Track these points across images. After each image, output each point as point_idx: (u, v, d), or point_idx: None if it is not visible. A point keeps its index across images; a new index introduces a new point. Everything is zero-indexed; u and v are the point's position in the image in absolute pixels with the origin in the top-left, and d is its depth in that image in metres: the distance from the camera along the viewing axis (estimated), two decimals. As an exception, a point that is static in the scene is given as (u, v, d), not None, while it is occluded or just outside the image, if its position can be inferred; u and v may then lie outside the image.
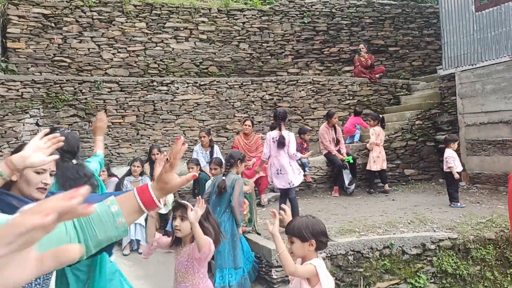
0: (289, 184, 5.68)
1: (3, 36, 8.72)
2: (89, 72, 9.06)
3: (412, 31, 11.53)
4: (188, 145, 8.44)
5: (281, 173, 5.73)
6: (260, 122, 9.31)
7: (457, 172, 6.73)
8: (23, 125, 7.71)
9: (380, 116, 8.66)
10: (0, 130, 7.59)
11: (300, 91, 9.72)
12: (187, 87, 8.93)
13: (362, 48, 10.35)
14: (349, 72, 10.92)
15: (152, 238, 3.02)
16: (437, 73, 9.95)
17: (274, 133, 5.89)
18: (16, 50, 8.60)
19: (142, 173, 6.88)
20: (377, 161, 8.20)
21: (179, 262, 3.05)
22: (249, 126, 7.70)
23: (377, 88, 10.21)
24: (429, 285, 5.17)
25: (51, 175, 2.08)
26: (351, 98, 10.11)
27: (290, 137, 5.79)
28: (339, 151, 8.19)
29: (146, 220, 6.59)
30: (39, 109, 7.86)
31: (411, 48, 11.52)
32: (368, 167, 8.30)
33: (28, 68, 8.66)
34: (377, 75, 10.29)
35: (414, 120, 9.32)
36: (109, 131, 8.30)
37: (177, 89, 8.83)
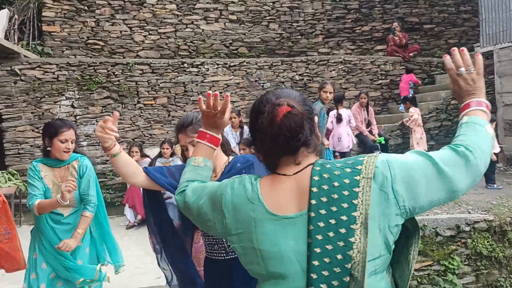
0: (347, 148, 7.33)
1: (39, 20, 8.94)
2: (121, 55, 9.19)
3: (448, 7, 11.12)
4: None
5: (340, 140, 7.31)
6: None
7: (494, 153, 6.54)
8: (59, 107, 7.92)
9: (410, 96, 8.50)
10: (38, 112, 7.82)
11: (331, 71, 9.58)
12: (217, 68, 8.94)
13: (396, 27, 10.07)
14: (381, 51, 10.67)
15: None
16: (474, 51, 9.61)
17: (334, 112, 7.44)
18: (51, 33, 8.80)
19: (172, 154, 6.97)
20: (421, 143, 7.99)
21: (201, 245, 2.71)
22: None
23: (412, 67, 9.94)
24: (463, 267, 5.09)
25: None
26: (383, 78, 9.90)
27: (348, 113, 7.51)
28: (371, 132, 8.07)
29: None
30: (74, 91, 8.04)
31: (447, 26, 11.14)
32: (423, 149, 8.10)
33: (63, 51, 8.86)
34: (411, 54, 10.02)
35: (450, 99, 9.06)
36: (141, 112, 8.44)
37: (207, 71, 8.86)
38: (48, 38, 8.82)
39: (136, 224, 6.77)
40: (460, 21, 11.17)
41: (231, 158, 2.18)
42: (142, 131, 8.45)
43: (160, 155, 7.00)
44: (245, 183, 1.33)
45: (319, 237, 1.16)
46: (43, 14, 8.75)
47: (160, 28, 9.48)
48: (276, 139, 1.25)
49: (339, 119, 7.38)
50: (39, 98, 7.83)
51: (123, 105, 8.31)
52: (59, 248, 2.93)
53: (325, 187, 1.20)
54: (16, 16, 9.04)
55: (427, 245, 5.05)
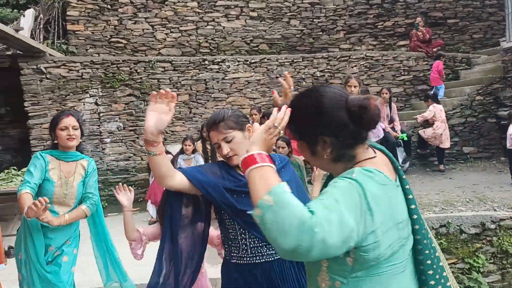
0: (378, 137, 7.06)
1: (63, 19, 9.11)
2: (144, 53, 9.30)
3: (473, 1, 10.89)
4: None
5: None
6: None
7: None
8: (84, 104, 8.06)
9: (432, 93, 8.39)
10: (63, 110, 7.98)
11: (352, 67, 9.49)
12: (237, 65, 8.96)
13: (419, 22, 9.91)
14: (404, 46, 10.52)
15: (135, 233, 2.57)
16: (500, 45, 9.39)
17: None
18: (76, 32, 8.96)
19: (194, 151, 7.02)
20: (439, 138, 7.91)
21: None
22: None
23: (440, 53, 9.73)
24: (488, 266, 5.00)
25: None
26: (406, 73, 9.76)
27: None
28: (393, 128, 7.97)
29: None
30: (97, 89, 8.17)
31: (471, 20, 10.91)
32: (442, 146, 8.02)
33: (87, 50, 9.01)
34: (434, 49, 9.85)
35: (474, 95, 8.89)
36: (163, 109, 8.51)
37: (228, 68, 8.89)
38: (73, 36, 8.98)
39: (158, 220, 6.84)
40: (485, 15, 10.92)
41: None
42: (164, 128, 8.52)
43: (182, 152, 7.05)
44: (366, 174, 1.30)
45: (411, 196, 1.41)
46: (68, 13, 8.91)
47: (181, 26, 9.55)
48: (368, 129, 1.39)
49: None
50: (64, 96, 7.98)
51: (145, 103, 8.41)
52: (42, 219, 2.77)
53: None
54: (41, 15, 9.24)
55: (451, 243, 4.98)
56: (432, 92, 8.52)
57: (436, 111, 7.92)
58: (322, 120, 1.35)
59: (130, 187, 2.76)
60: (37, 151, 7.64)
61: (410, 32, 10.19)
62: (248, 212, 1.26)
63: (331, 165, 1.43)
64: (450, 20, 10.84)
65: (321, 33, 10.34)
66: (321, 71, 9.38)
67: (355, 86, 5.36)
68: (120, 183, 2.69)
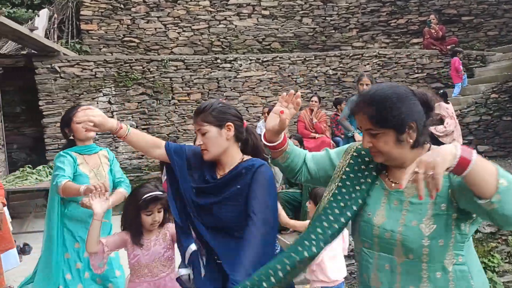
0: None
1: (77, 19, 9.20)
2: (156, 51, 9.35)
3: (488, -2, 10.75)
4: (251, 122, 8.53)
5: None
6: (323, 97, 9.16)
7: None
8: (97, 103, 8.12)
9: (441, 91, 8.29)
10: (77, 108, 8.05)
11: (365, 65, 9.43)
12: (250, 63, 8.96)
13: (433, 19, 9.81)
14: (417, 44, 10.43)
15: (98, 245, 2.39)
16: (516, 42, 9.26)
17: None
18: (89, 31, 9.04)
19: None
20: (451, 135, 7.82)
21: (152, 253, 2.51)
22: (316, 102, 7.63)
23: (449, 60, 9.66)
24: (503, 265, 4.95)
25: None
26: (420, 71, 9.68)
27: None
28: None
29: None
30: (111, 87, 8.24)
31: (486, 17, 10.76)
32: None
33: (100, 49, 9.08)
34: (448, 47, 9.75)
35: (489, 93, 8.77)
36: (176, 108, 8.57)
37: (240, 66, 8.89)
38: (86, 36, 9.06)
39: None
40: (500, 12, 10.77)
41: (246, 158, 2.02)
42: (176, 127, 8.57)
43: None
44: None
45: None
46: (81, 13, 8.99)
47: (193, 25, 9.58)
48: (432, 116, 1.53)
49: None
50: (77, 95, 8.06)
51: (158, 101, 8.46)
52: (82, 204, 2.75)
53: None
54: (55, 15, 9.33)
55: (466, 242, 4.92)
56: (441, 91, 8.43)
57: (441, 109, 7.87)
58: (406, 106, 1.46)
59: (108, 192, 2.58)
60: (52, 149, 7.79)
61: (423, 29, 10.09)
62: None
63: (408, 153, 1.50)
64: (464, 17, 10.71)
65: (333, 31, 10.30)
66: (333, 69, 9.34)
67: (367, 84, 5.32)
68: (98, 184, 2.49)
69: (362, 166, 1.61)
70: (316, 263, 2.97)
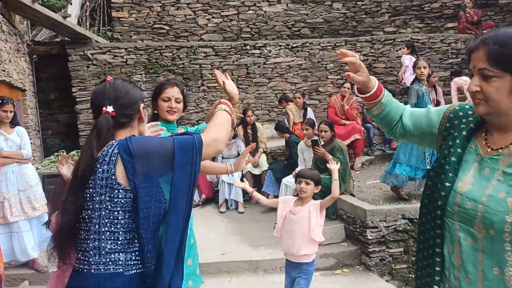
0: None
1: (108, 6, 9.31)
2: (186, 38, 9.38)
3: (528, -21, 10.29)
4: (279, 108, 8.47)
5: None
6: (353, 84, 9.01)
7: None
8: (128, 90, 8.23)
9: None
10: (108, 95, 8.19)
11: (397, 51, 9.21)
12: (279, 50, 8.89)
13: (468, 3, 9.47)
14: (452, 29, 10.10)
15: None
16: (557, 26, 8.84)
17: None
18: (120, 19, 9.14)
19: (235, 136, 7.05)
20: None
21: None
22: (348, 88, 7.54)
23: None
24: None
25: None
26: (454, 56, 9.39)
27: None
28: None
29: (242, 179, 6.80)
30: (141, 74, 8.33)
31: (526, 0, 10.32)
32: None
33: (130, 36, 9.18)
34: (484, 31, 9.39)
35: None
36: (205, 95, 8.61)
37: (269, 52, 8.83)
38: (117, 23, 9.17)
39: (200, 203, 6.96)
40: (541, -6, 10.31)
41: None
42: (205, 113, 8.61)
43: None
44: None
45: None
46: (112, 0, 9.09)
47: (223, 11, 9.55)
48: None
49: None
50: (109, 82, 8.18)
51: (188, 88, 8.51)
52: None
53: None
54: (87, 3, 9.48)
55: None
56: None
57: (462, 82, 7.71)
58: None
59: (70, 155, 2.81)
60: (84, 135, 7.96)
61: (458, 13, 9.76)
62: None
63: None
64: (501, 1, 10.29)
65: (364, 16, 10.08)
66: (364, 54, 9.16)
67: (424, 67, 5.30)
68: (63, 153, 2.58)
69: (459, 126, 1.48)
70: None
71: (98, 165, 1.53)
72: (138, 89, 1.76)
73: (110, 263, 1.52)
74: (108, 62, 8.18)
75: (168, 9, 9.30)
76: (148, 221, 1.51)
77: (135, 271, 1.54)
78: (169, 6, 9.30)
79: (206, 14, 9.51)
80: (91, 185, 1.53)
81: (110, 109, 1.62)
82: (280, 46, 8.92)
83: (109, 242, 1.52)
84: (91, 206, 1.53)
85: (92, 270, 1.51)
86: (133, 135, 1.63)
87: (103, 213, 1.52)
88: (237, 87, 8.46)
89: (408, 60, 7.98)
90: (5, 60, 6.07)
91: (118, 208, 1.52)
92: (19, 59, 7.02)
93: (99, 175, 1.52)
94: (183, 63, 8.50)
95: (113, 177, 1.51)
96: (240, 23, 9.62)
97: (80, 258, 1.55)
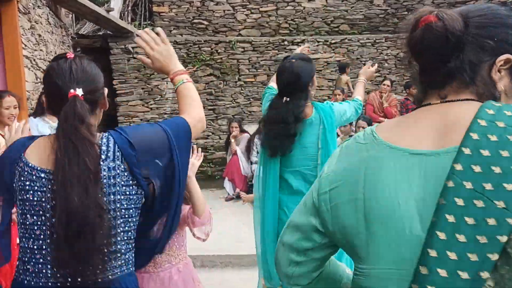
0: None
1: (150, 1, 9.48)
2: (224, 33, 9.44)
3: None
4: (317, 105, 8.41)
5: None
6: (393, 81, 8.84)
7: None
8: (167, 83, 8.37)
9: None
10: (147, 88, 8.36)
11: (439, 49, 8.95)
12: (317, 45, 8.82)
13: (517, -1, 9.12)
14: (498, 26, 9.74)
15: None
16: None
17: None
18: (161, 14, 9.29)
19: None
20: None
21: None
22: (388, 86, 7.41)
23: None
24: None
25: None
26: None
27: None
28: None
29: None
30: (180, 68, 8.44)
31: None
32: None
33: (170, 31, 9.31)
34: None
35: None
36: (242, 90, 8.65)
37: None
38: (158, 18, 9.32)
39: (234, 196, 7.01)
40: None
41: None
42: (242, 108, 8.66)
43: (258, 131, 7.13)
44: None
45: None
46: (154, -5, 9.27)
47: (261, 7, 9.55)
48: (419, 60, 1.03)
49: None
50: (149, 75, 8.35)
51: (225, 82, 8.57)
52: None
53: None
54: (129, -2, 9.69)
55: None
56: None
57: None
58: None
59: None
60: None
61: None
62: None
63: None
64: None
65: (406, 12, 9.84)
66: (405, 52, 8.94)
67: None
68: None
69: None
70: None
71: (101, 162, 1.36)
72: (101, 71, 1.57)
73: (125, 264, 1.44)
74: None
75: (207, 4, 9.38)
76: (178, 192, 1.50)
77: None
78: (208, 1, 9.37)
79: (245, 10, 9.54)
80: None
81: (79, 92, 1.39)
82: (318, 42, 8.85)
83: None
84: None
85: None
86: (121, 127, 1.49)
87: (118, 213, 1.39)
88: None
89: None
90: (51, 51, 6.29)
91: (132, 206, 1.42)
92: (63, 51, 7.26)
93: (105, 173, 1.36)
94: (221, 58, 8.57)
95: (125, 173, 1.39)
96: (279, 19, 9.60)
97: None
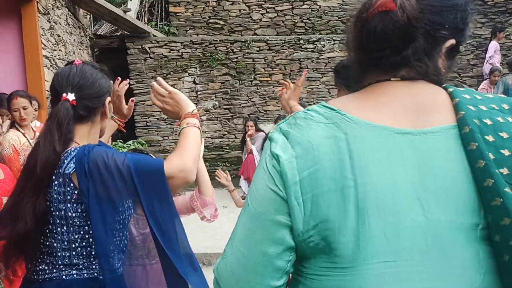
0: None
1: (166, 2, 9.56)
2: (240, 33, 9.46)
3: None
4: (333, 104, 8.38)
5: None
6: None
7: None
8: (183, 83, 8.44)
9: None
10: (164, 88, 8.42)
11: (457, 47, 8.84)
12: (333, 44, 8.79)
13: (537, -5, 8.96)
14: (518, 24, 9.58)
15: None
16: None
17: None
18: (177, 14, 9.35)
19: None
20: None
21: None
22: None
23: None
24: None
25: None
26: (519, 53, 8.91)
27: None
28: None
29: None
30: (196, 68, 8.51)
31: None
32: None
33: (186, 31, 9.38)
34: (555, 26, 8.85)
35: None
36: (257, 89, 8.66)
37: (323, 47, 8.75)
38: (174, 18, 9.40)
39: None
40: None
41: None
42: (257, 107, 8.67)
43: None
44: None
45: None
46: (170, -4, 9.34)
47: (277, 6, 9.55)
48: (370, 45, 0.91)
49: None
50: (165, 75, 8.41)
51: (240, 82, 8.59)
52: None
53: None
54: (146, -1, 9.78)
55: None
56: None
57: None
58: None
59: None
60: (140, 126, 8.23)
61: (526, 7, 9.24)
62: None
63: None
64: None
65: (423, 10, 9.75)
66: (350, 33, 8.84)
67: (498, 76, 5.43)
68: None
69: None
70: None
71: (55, 172, 1.36)
72: (107, 79, 1.54)
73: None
74: (164, 56, 8.41)
75: (223, 4, 9.42)
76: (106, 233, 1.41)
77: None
78: (224, 1, 9.41)
79: (261, 9, 9.55)
80: (49, 192, 1.37)
81: (71, 97, 1.41)
82: (334, 40, 8.81)
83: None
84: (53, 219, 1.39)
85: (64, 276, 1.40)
86: (95, 145, 1.42)
87: (71, 229, 1.38)
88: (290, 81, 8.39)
89: (493, 48, 8.07)
90: (69, 51, 6.39)
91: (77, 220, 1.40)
92: (82, 51, 7.37)
93: (56, 188, 1.37)
94: (237, 57, 8.60)
95: (75, 192, 1.37)
96: (294, 18, 9.58)
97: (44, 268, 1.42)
